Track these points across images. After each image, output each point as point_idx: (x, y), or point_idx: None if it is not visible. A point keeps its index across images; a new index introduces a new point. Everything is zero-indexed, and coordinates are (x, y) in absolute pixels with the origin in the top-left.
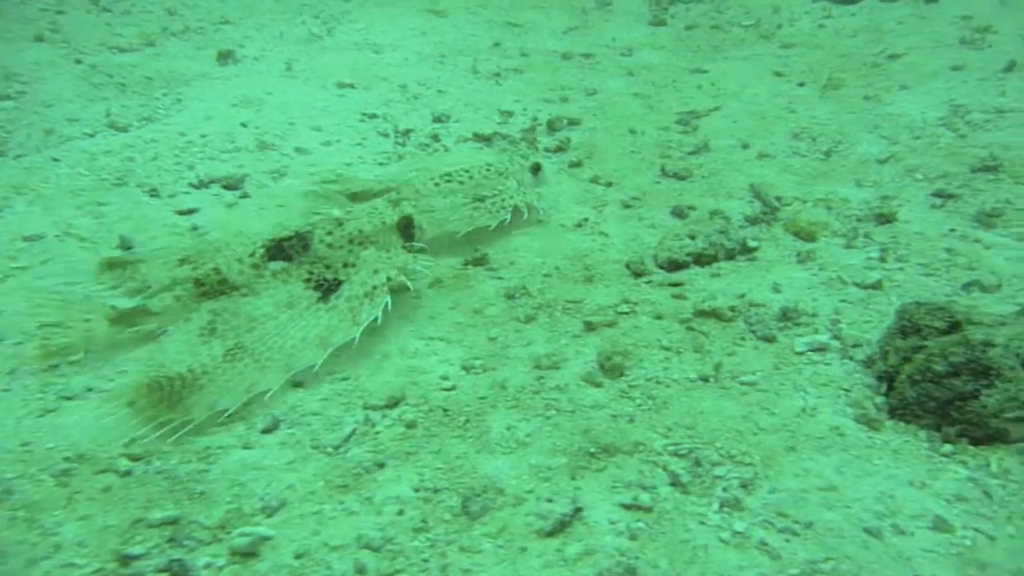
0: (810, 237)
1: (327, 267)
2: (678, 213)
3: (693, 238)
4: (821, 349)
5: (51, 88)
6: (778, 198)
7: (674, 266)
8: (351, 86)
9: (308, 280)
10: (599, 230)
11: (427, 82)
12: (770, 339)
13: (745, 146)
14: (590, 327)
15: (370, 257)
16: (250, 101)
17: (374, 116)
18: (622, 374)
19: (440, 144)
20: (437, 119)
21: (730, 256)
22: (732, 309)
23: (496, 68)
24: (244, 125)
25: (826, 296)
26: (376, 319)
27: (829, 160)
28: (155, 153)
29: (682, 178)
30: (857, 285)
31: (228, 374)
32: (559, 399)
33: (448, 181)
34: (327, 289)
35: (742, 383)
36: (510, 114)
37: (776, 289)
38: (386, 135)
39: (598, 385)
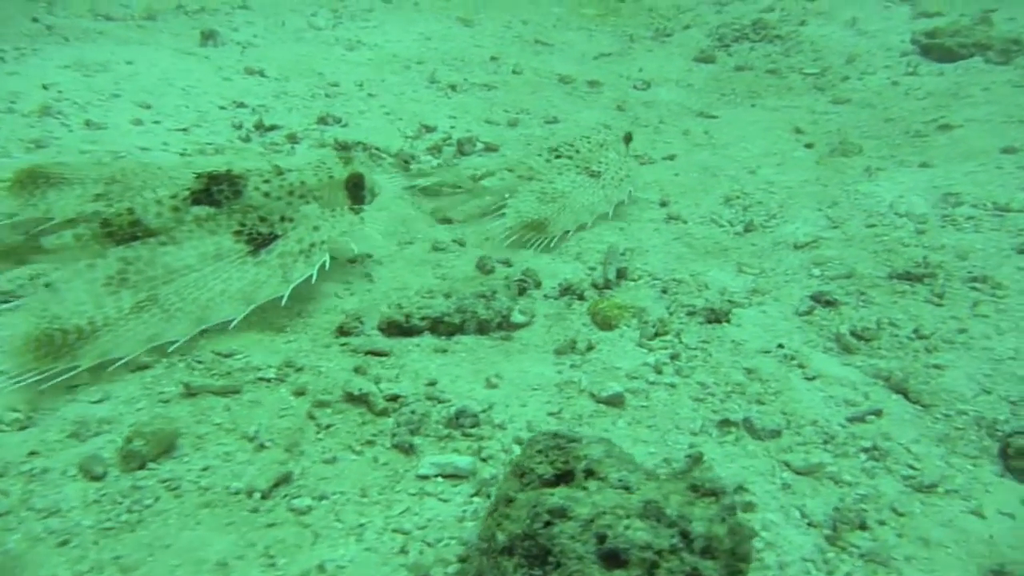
0: (606, 324)
1: (262, 219)
2: (481, 266)
3: (447, 296)
4: (455, 476)
5: None
6: (622, 270)
7: (395, 330)
8: (260, 73)
9: (239, 232)
10: (369, 272)
11: (366, 84)
12: (406, 449)
13: (664, 204)
14: (190, 392)
15: (311, 212)
16: (105, 67)
17: (243, 105)
18: (142, 465)
19: (291, 147)
20: (323, 120)
21: (482, 329)
22: (394, 399)
23: (460, 81)
24: (45, 87)
25: (542, 402)
26: (311, 277)
27: (743, 236)
28: None
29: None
30: (592, 396)
31: (130, 323)
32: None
33: (558, 156)
34: (259, 244)
35: (299, 508)
36: (431, 129)
37: (492, 383)
38: (238, 127)
39: (95, 478)
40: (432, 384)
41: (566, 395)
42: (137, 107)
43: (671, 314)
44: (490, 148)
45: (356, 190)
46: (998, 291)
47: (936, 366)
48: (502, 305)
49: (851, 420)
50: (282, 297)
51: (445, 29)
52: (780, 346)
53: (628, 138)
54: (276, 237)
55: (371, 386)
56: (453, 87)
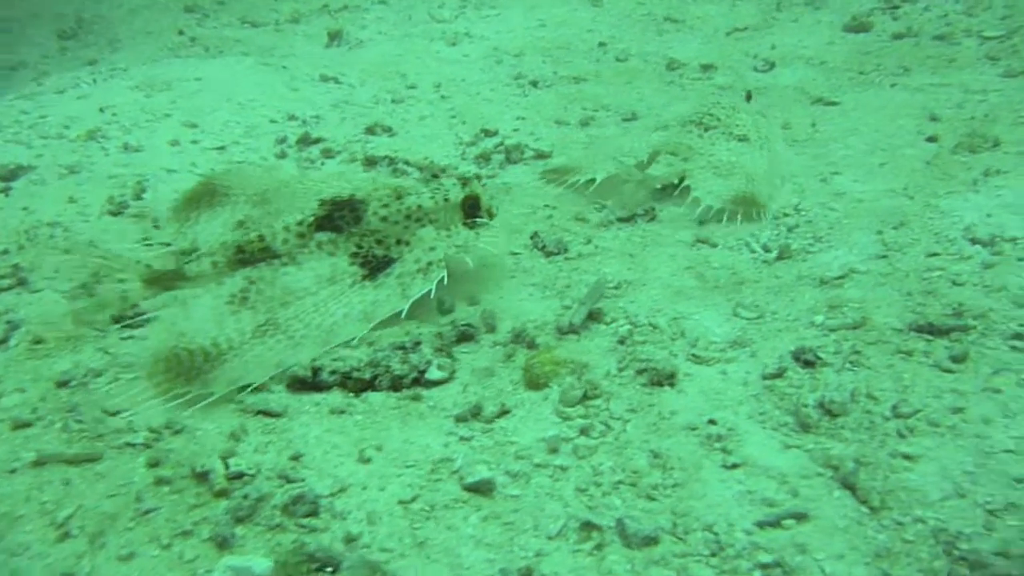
0: (535, 383)
1: (378, 242)
2: (440, 306)
3: (370, 345)
4: None
5: None
6: (596, 312)
7: (300, 385)
8: (335, 80)
9: (355, 255)
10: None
11: (445, 84)
12: (221, 543)
13: (703, 221)
14: (40, 460)
15: (427, 235)
16: (169, 85)
17: (294, 118)
18: None
19: (323, 162)
20: (370, 130)
21: (396, 386)
22: (238, 477)
23: (548, 75)
24: (101, 110)
25: (403, 486)
26: (430, 292)
27: (771, 266)
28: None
29: (554, 253)
30: (460, 480)
31: (257, 349)
32: None
33: (706, 129)
34: (375, 267)
35: None
36: (492, 133)
37: (366, 457)
38: (281, 141)
39: None
40: (297, 458)
41: (434, 477)
42: (183, 127)
43: (620, 371)
44: (541, 155)
45: (472, 211)
46: None
47: (906, 456)
48: (420, 359)
49: (761, 525)
50: (401, 312)
51: (567, 13)
52: (711, 422)
53: (749, 96)
54: (392, 260)
55: (214, 462)
56: (535, 83)
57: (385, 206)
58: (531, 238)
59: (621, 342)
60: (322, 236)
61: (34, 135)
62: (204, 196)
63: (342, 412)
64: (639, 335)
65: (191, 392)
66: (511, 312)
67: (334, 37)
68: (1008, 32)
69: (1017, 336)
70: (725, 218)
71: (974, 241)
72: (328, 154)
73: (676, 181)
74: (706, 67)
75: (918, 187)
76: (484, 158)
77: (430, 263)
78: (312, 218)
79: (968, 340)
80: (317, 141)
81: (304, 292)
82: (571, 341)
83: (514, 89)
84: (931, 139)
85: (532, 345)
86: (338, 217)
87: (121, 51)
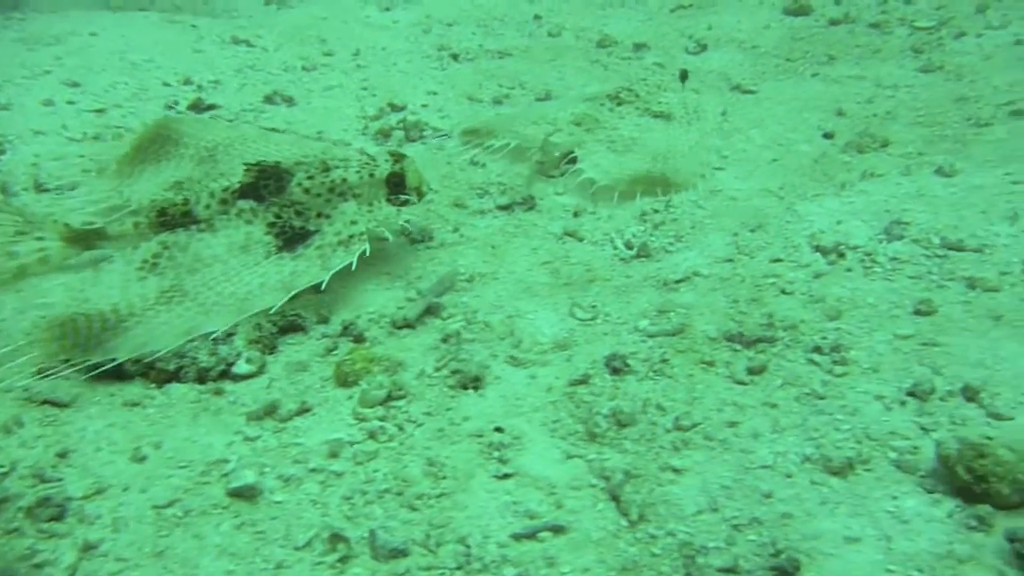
0: (345, 380)
1: (298, 214)
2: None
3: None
4: None
5: None
6: (434, 306)
7: (100, 373)
8: (246, 43)
9: (272, 224)
10: None
11: (364, 52)
12: None
13: (576, 214)
14: None
15: (349, 210)
16: (58, 40)
17: (190, 82)
18: None
19: None
20: (269, 99)
21: (202, 378)
22: None
23: (473, 47)
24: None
25: (167, 488)
26: (351, 265)
27: (628, 264)
28: None
29: (418, 241)
30: (227, 485)
31: (163, 316)
32: None
33: (619, 104)
34: (291, 238)
35: None
36: (399, 108)
37: (141, 456)
38: (171, 106)
39: None
40: (64, 455)
41: (203, 480)
42: (62, 85)
43: (437, 371)
44: (442, 135)
45: (397, 188)
46: (836, 369)
47: (674, 469)
48: (230, 351)
49: (517, 537)
50: (321, 283)
51: None
52: (498, 429)
53: (684, 75)
54: (310, 233)
55: None
56: (455, 56)
57: (310, 178)
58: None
59: (445, 340)
60: (244, 204)
61: None
62: (155, 143)
63: (135, 405)
64: (469, 333)
65: (90, 360)
66: (353, 302)
67: None
68: (939, 23)
69: (816, 349)
70: (615, 197)
71: (817, 248)
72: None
73: (569, 154)
74: (639, 46)
75: (792, 187)
76: (384, 134)
77: (351, 236)
78: (237, 185)
79: (772, 352)
80: (210, 108)
81: (214, 259)
82: (400, 337)
83: (433, 61)
84: (828, 135)
85: (360, 339)
86: (262, 186)
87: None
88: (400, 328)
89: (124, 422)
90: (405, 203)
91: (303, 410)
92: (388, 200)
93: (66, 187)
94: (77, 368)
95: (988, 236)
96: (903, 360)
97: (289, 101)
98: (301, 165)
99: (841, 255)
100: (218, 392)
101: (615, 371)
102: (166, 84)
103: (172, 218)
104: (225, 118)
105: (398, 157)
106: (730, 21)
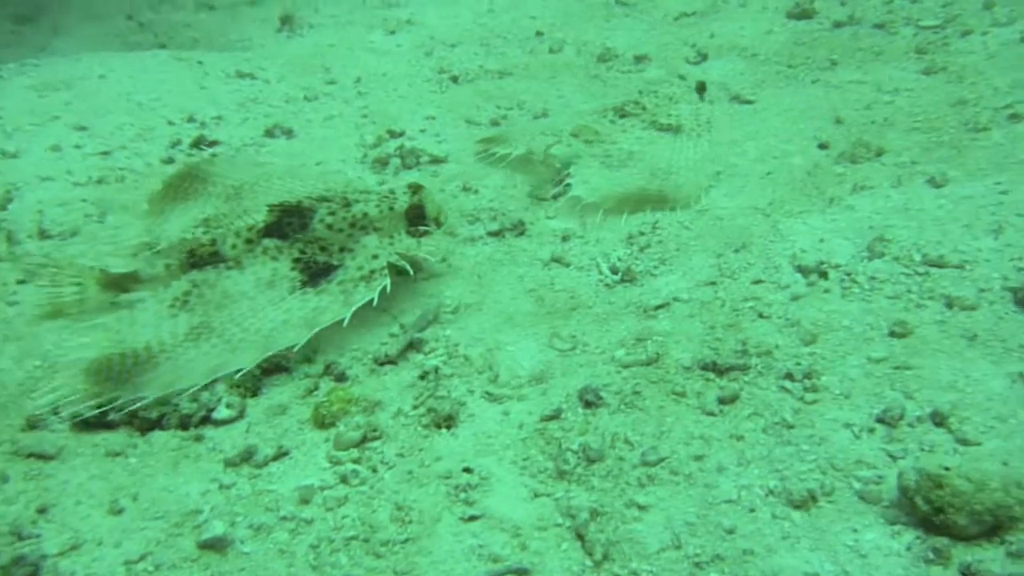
0: (323, 423)
1: (322, 249)
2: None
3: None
4: None
5: None
6: (416, 341)
7: (84, 424)
8: (251, 76)
9: (297, 260)
10: None
11: (365, 79)
12: None
13: (566, 238)
14: None
15: (370, 243)
16: (68, 84)
17: (192, 119)
18: None
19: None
20: (270, 132)
21: (184, 424)
22: None
23: (474, 68)
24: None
25: (140, 541)
26: (372, 301)
27: (611, 289)
28: None
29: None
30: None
31: (191, 353)
32: None
33: (622, 116)
34: (315, 273)
35: None
36: (397, 134)
37: (118, 508)
38: (174, 144)
39: None
40: (43, 510)
41: (176, 532)
42: (70, 130)
43: (414, 409)
44: (436, 161)
45: (417, 220)
46: (807, 396)
47: (639, 506)
48: (211, 397)
49: None
50: (343, 320)
51: None
52: (466, 470)
53: (702, 87)
54: (334, 267)
55: None
56: (455, 78)
57: (332, 213)
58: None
59: (423, 377)
60: (269, 242)
61: None
62: (183, 183)
63: (118, 455)
64: (449, 368)
65: (120, 396)
66: (338, 339)
67: (285, 22)
68: (944, 21)
69: (788, 376)
70: (600, 215)
71: (799, 269)
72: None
73: (565, 168)
74: (639, 58)
75: (780, 203)
76: (381, 163)
77: (372, 271)
78: (262, 224)
79: (744, 380)
80: (212, 144)
81: (241, 295)
82: (381, 374)
83: (433, 85)
84: (823, 146)
85: (341, 378)
86: (286, 224)
87: (63, 37)
88: (382, 365)
89: (105, 473)
90: (425, 234)
91: (280, 454)
92: (408, 232)
93: (68, 233)
94: (108, 408)
95: (970, 251)
96: (875, 385)
97: (289, 133)
98: (324, 201)
99: (823, 275)
100: (198, 439)
101: (588, 404)
102: (170, 123)
103: (201, 258)
104: (227, 154)
105: (416, 188)
106: (732, 28)
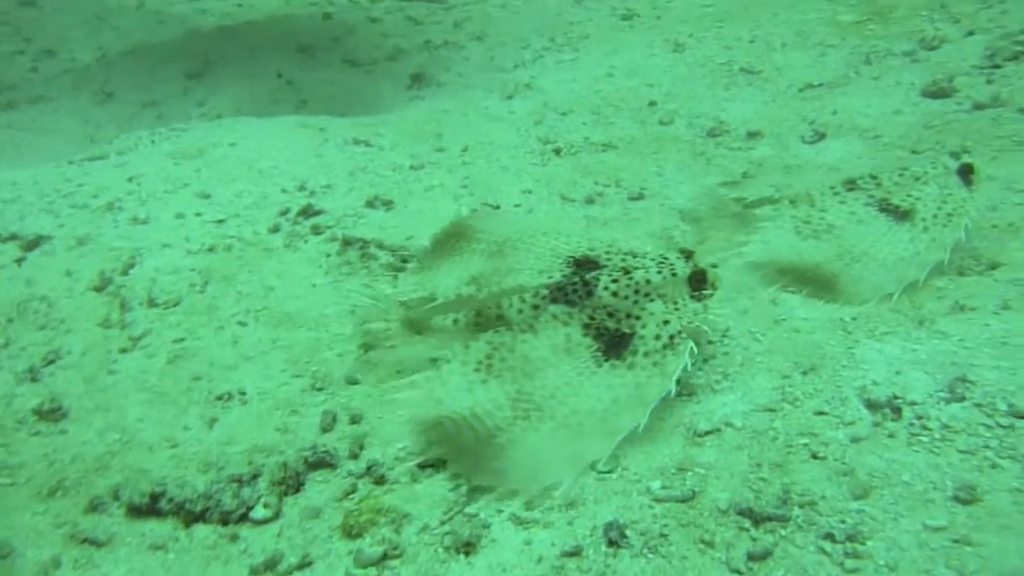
0: (351, 532)
1: (609, 315)
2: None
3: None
4: None
5: None
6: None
7: (138, 512)
8: (366, 143)
9: (588, 326)
10: None
11: (472, 148)
12: None
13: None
14: None
15: (657, 310)
16: (202, 152)
17: (303, 188)
18: None
19: (304, 242)
20: (370, 203)
21: (225, 520)
22: None
23: (576, 140)
24: (129, 180)
25: None
26: (686, 366)
27: (664, 403)
28: None
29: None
30: None
31: (532, 437)
32: None
33: (851, 189)
34: (609, 342)
35: None
36: (494, 208)
37: None
38: (283, 212)
39: None
40: None
41: None
42: (196, 198)
43: (441, 524)
44: None
45: (699, 284)
46: (847, 562)
47: None
48: (252, 493)
49: None
50: (669, 392)
51: (643, 60)
52: None
53: (968, 170)
54: (625, 335)
55: None
56: (558, 151)
57: (615, 281)
58: None
59: (457, 486)
60: (556, 309)
61: (64, 204)
62: (452, 238)
63: (160, 548)
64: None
65: (475, 480)
66: (386, 433)
67: (416, 79)
68: None
69: (829, 536)
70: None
71: (869, 403)
72: (317, 230)
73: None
74: (752, 134)
75: (865, 319)
76: None
77: (672, 336)
78: (546, 291)
79: (781, 534)
80: (318, 213)
81: (543, 363)
82: (420, 479)
83: (535, 156)
84: None
85: (381, 480)
86: (571, 291)
87: (220, 95)
88: (424, 468)
89: (143, 568)
90: (709, 297)
91: (304, 564)
92: (692, 296)
93: (171, 303)
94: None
95: None
96: (926, 559)
97: (388, 204)
98: (590, 263)
99: (897, 411)
100: (233, 538)
101: (611, 543)
102: (284, 191)
103: (487, 320)
104: (322, 225)
105: (689, 254)
106: (858, 105)
